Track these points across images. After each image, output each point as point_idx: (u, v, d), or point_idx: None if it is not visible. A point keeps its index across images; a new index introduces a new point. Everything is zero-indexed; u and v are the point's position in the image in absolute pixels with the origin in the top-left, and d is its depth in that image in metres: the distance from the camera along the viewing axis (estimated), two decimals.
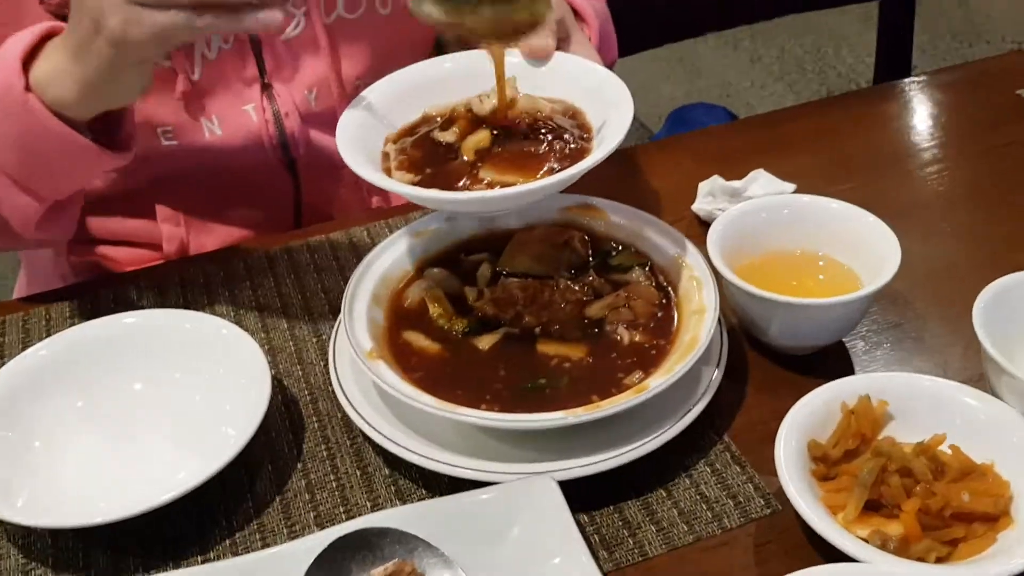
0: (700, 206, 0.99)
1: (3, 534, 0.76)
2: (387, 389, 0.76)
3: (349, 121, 0.83)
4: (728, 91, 3.11)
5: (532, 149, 0.81)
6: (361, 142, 0.82)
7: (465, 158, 0.81)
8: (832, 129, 1.14)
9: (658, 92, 3.08)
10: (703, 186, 1.00)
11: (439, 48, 1.14)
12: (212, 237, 1.09)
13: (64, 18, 0.87)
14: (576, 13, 0.96)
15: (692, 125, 1.91)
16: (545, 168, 0.79)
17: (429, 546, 0.67)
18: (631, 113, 0.80)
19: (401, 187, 0.78)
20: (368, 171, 0.78)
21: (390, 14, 1.05)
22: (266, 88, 1.02)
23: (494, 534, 0.68)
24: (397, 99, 0.87)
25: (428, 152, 0.83)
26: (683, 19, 1.63)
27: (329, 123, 1.05)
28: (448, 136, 0.84)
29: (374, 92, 0.86)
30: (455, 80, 0.88)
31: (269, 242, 1.03)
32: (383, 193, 1.12)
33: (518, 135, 0.83)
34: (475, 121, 0.84)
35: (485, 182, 0.79)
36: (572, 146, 0.81)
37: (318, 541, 0.67)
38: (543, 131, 0.83)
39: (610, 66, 1.04)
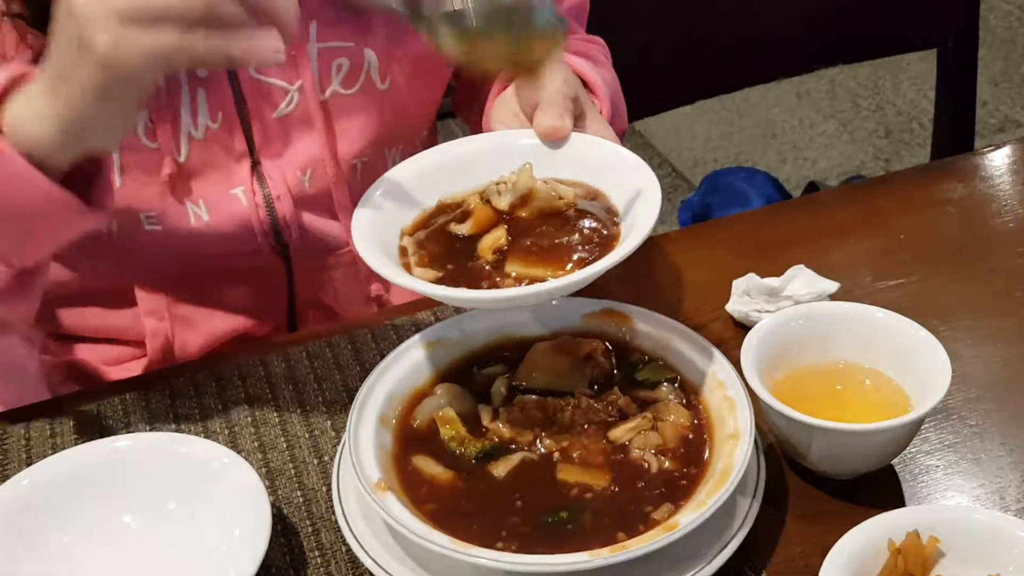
0: (735, 307, 1.04)
1: None
2: (397, 527, 0.80)
3: (364, 215, 0.89)
4: (773, 131, 3.17)
5: (559, 239, 0.87)
6: (378, 237, 0.88)
7: (483, 259, 0.87)
8: (884, 211, 1.19)
9: (693, 133, 3.15)
10: (738, 284, 1.05)
11: (443, 125, 1.21)
12: (199, 333, 1.15)
13: None
14: (585, 84, 1.02)
15: (729, 192, 1.96)
16: (575, 259, 0.85)
17: None
18: (658, 193, 0.86)
19: (426, 287, 0.84)
20: (390, 270, 0.84)
21: (389, 89, 1.11)
22: (256, 169, 1.08)
23: None
24: (413, 186, 0.93)
25: (446, 246, 0.89)
26: (723, 71, 1.70)
27: (324, 206, 1.12)
28: (464, 229, 0.90)
29: (388, 181, 0.93)
30: (477, 162, 0.95)
31: (264, 347, 1.09)
32: (382, 279, 1.18)
33: (542, 226, 0.89)
34: (492, 212, 0.90)
35: (512, 276, 0.85)
36: (603, 232, 0.87)
37: None
38: (568, 218, 0.89)
39: (621, 137, 1.11)
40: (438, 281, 0.85)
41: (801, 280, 1.04)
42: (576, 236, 0.87)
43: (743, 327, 1.00)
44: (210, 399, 1.03)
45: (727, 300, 1.06)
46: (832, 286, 1.03)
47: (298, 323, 1.20)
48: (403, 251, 0.90)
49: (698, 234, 1.23)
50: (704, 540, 0.81)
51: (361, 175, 1.12)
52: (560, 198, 0.89)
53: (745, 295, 1.04)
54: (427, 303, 1.10)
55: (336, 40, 1.06)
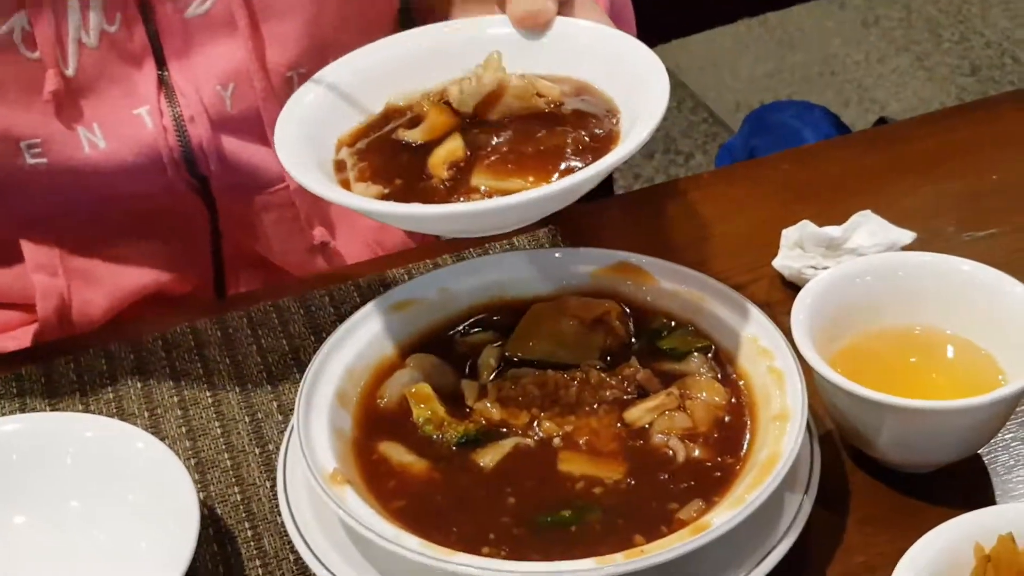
0: (784, 262, 1.02)
1: None
2: (357, 528, 0.79)
3: (290, 118, 0.86)
4: (833, 68, 3.16)
5: (541, 145, 0.85)
6: (309, 148, 0.86)
7: (436, 176, 0.85)
8: (971, 149, 1.18)
9: (736, 71, 3.15)
10: (788, 234, 1.03)
11: (405, 24, 1.19)
12: (102, 291, 1.13)
13: None
14: None
15: (779, 132, 1.94)
16: (563, 168, 0.83)
17: None
18: (665, 80, 0.83)
19: (368, 203, 0.82)
20: (321, 185, 0.81)
21: None
22: (164, 83, 1.06)
23: None
24: (354, 87, 0.91)
25: (393, 158, 0.87)
26: None
27: (250, 129, 1.11)
28: (416, 135, 0.88)
29: (321, 81, 0.90)
30: (434, 57, 0.92)
31: (194, 311, 1.08)
32: (327, 224, 1.17)
33: (519, 128, 0.87)
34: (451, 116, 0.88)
35: (481, 191, 0.83)
36: (597, 132, 0.85)
37: None
38: (552, 119, 0.87)
39: None
40: (383, 198, 0.83)
41: (867, 229, 1.03)
42: (563, 140, 0.84)
43: (794, 287, 0.99)
44: (125, 374, 1.02)
45: (774, 255, 1.04)
46: (906, 236, 1.02)
47: (227, 280, 1.19)
48: (340, 165, 0.87)
49: (738, 175, 1.21)
50: (744, 546, 0.80)
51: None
52: (540, 95, 0.88)
53: (797, 247, 1.03)
54: (394, 259, 1.08)
55: None
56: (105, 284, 1.14)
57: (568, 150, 0.83)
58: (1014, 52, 3.14)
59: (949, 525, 0.78)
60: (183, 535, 0.81)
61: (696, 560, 0.78)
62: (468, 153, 0.85)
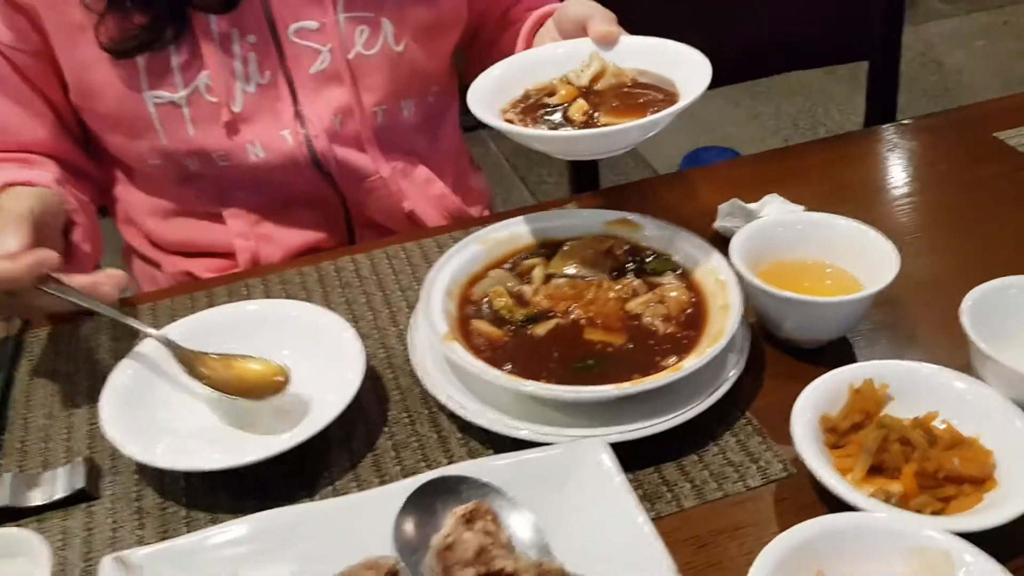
0: (721, 224, 1.02)
1: (143, 481, 0.80)
2: (460, 364, 0.79)
3: (476, 89, 0.90)
4: (731, 143, 3.14)
5: (633, 100, 0.88)
6: (485, 108, 0.88)
7: (575, 121, 0.87)
8: (832, 163, 1.17)
9: (671, 143, 3.12)
10: (723, 207, 1.03)
11: (460, 77, 1.20)
12: (279, 248, 1.13)
13: (117, 53, 0.95)
14: None
15: (706, 163, 1.94)
16: (650, 112, 0.85)
17: (500, 492, 0.69)
18: (707, 64, 0.86)
19: (537, 132, 0.85)
20: (507, 126, 0.85)
21: (403, 51, 1.09)
22: (298, 114, 1.06)
23: (554, 485, 0.71)
24: (501, 81, 0.93)
25: (543, 114, 0.89)
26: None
27: (353, 142, 1.10)
28: (556, 99, 0.90)
29: (482, 79, 0.92)
30: (546, 64, 0.94)
31: (334, 255, 1.07)
32: (411, 199, 1.15)
33: (617, 94, 0.89)
34: (575, 89, 0.91)
35: (603, 124, 0.86)
36: (663, 94, 0.88)
37: (409, 485, 0.70)
38: (635, 87, 0.90)
39: None
40: None
41: (774, 205, 1.02)
42: (645, 99, 0.87)
43: (728, 241, 0.97)
44: (298, 292, 1.01)
45: (715, 222, 1.03)
46: (799, 208, 1.01)
47: (356, 237, 1.17)
48: (508, 120, 0.89)
49: (686, 177, 1.20)
50: (702, 385, 0.80)
51: (382, 120, 1.10)
52: (624, 73, 0.91)
53: (729, 215, 1.02)
54: (454, 224, 1.08)
55: (357, 11, 1.05)
56: (280, 243, 1.13)
57: (650, 104, 0.86)
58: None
59: (832, 373, 0.78)
60: (353, 375, 0.81)
61: (674, 390, 0.78)
62: (591, 108, 0.88)
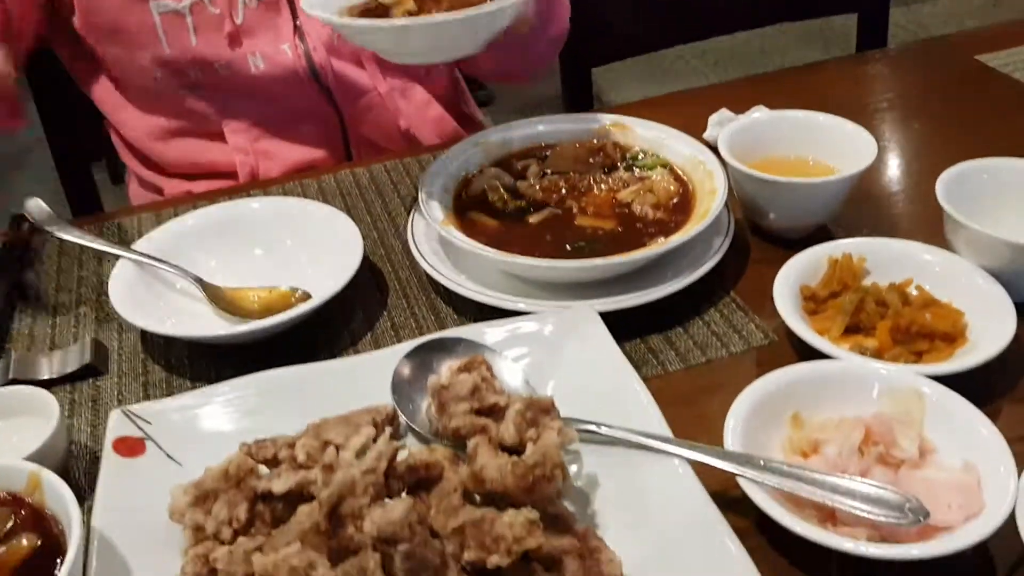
0: (710, 133, 1.05)
1: (149, 359, 0.84)
2: (457, 244, 0.83)
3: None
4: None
5: (468, 4, 0.81)
6: (324, 7, 0.85)
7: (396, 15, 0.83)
8: (819, 83, 1.21)
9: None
10: (713, 117, 1.06)
11: None
12: (278, 163, 1.15)
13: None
14: None
15: None
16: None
17: (496, 352, 0.73)
18: None
19: (360, 22, 0.82)
20: (334, 17, 0.82)
21: None
22: (297, 29, 1.09)
23: (547, 348, 0.74)
24: None
25: (372, 14, 0.86)
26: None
27: (351, 58, 1.13)
28: (391, 2, 0.86)
29: None
30: None
31: (334, 169, 1.10)
32: (407, 118, 1.17)
33: (453, 4, 0.83)
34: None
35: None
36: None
37: (407, 345, 0.73)
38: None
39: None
40: None
41: (760, 114, 1.05)
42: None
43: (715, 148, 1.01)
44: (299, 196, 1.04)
45: (704, 132, 1.06)
46: None
47: (354, 158, 1.20)
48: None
49: (679, 98, 1.24)
50: (688, 263, 0.83)
51: None
52: None
53: (718, 124, 1.05)
54: (449, 142, 1.11)
55: None
56: (279, 159, 1.15)
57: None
58: None
59: (813, 248, 0.82)
60: (351, 262, 0.84)
61: (661, 267, 0.82)
62: (416, 7, 0.85)
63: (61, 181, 1.41)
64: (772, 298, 0.77)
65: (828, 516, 0.60)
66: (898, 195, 0.98)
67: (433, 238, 0.88)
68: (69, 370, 0.82)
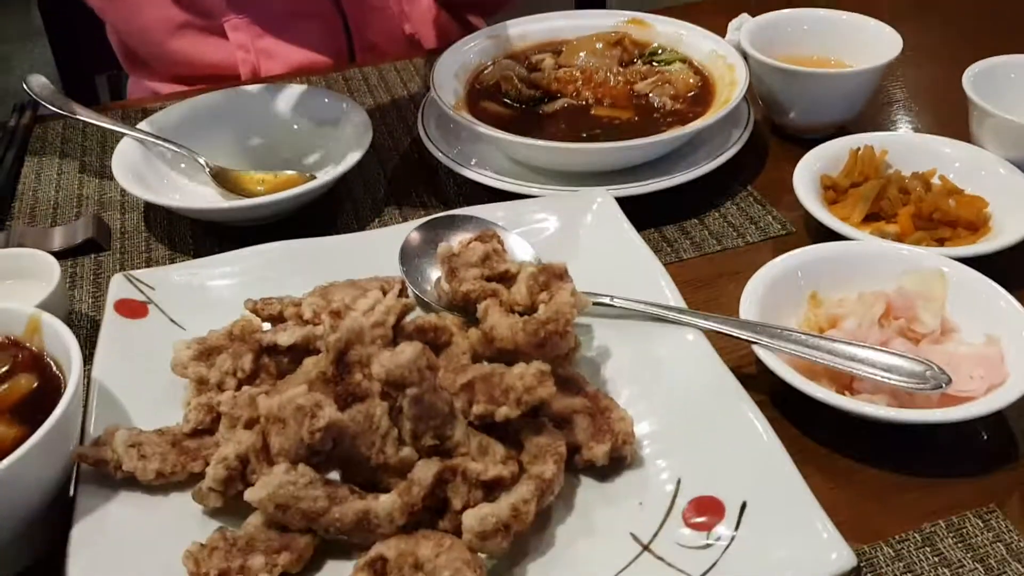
0: (731, 37, 1.02)
1: (152, 238, 0.82)
2: (470, 127, 0.81)
3: None
4: None
5: None
6: None
7: None
8: None
9: None
10: (733, 23, 1.03)
11: None
12: (279, 63, 1.12)
13: None
14: None
15: None
16: None
17: (506, 230, 0.71)
18: None
19: None
20: None
21: None
22: None
23: (560, 228, 0.72)
24: None
25: None
26: None
27: None
28: None
29: None
30: None
31: (341, 67, 1.08)
32: (412, 22, 1.16)
33: None
34: None
35: None
36: None
37: (417, 222, 0.72)
38: None
39: None
40: None
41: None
42: None
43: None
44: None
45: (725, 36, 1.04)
46: None
47: (357, 60, 1.17)
48: None
49: (699, 6, 1.21)
50: (705, 154, 0.82)
51: None
52: None
53: (738, 31, 1.02)
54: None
55: None
56: (280, 59, 1.13)
57: None
58: None
59: (833, 140, 0.80)
60: (360, 145, 0.82)
61: (678, 158, 0.80)
62: None
63: (63, 85, 1.39)
64: (790, 192, 0.76)
65: (845, 387, 0.59)
66: (920, 97, 0.96)
67: (444, 127, 0.86)
68: (72, 244, 0.80)
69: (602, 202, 0.73)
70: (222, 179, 0.84)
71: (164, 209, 0.83)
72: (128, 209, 0.86)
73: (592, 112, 0.86)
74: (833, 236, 0.70)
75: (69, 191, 0.89)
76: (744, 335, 0.60)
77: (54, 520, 0.53)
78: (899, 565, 0.52)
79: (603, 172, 0.80)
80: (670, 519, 0.52)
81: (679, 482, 0.53)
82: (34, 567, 0.53)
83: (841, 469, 0.57)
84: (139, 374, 0.61)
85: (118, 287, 0.68)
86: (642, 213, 0.78)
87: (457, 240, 0.70)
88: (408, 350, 0.52)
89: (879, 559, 0.52)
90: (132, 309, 0.67)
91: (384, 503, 0.50)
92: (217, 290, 0.69)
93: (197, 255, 0.79)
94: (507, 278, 0.64)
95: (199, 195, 0.84)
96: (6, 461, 0.47)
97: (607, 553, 0.50)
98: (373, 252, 0.71)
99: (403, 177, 0.88)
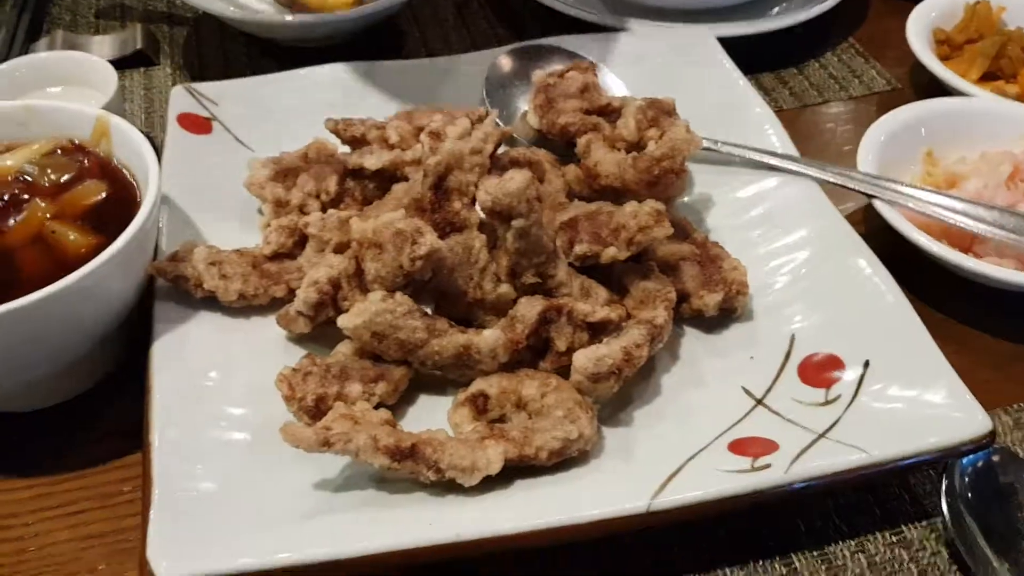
0: None
1: (204, 52, 0.76)
2: None
3: None
4: None
5: None
6: None
7: None
8: None
9: None
10: None
11: None
12: None
13: None
14: None
15: None
16: None
17: (599, 66, 0.66)
18: None
19: None
20: None
21: None
22: None
23: (658, 67, 0.67)
24: None
25: None
26: None
27: None
28: None
29: None
30: None
31: None
32: None
33: None
34: None
35: None
36: None
37: (502, 49, 0.66)
38: None
39: None
40: None
41: None
42: None
43: None
44: None
45: None
46: None
47: None
48: None
49: None
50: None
51: None
52: None
53: None
54: None
55: None
56: None
57: None
58: None
59: None
60: None
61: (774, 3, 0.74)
62: None
63: None
64: (894, 47, 0.71)
65: (965, 249, 0.55)
66: None
67: None
68: (123, 54, 0.74)
69: (702, 43, 0.68)
70: None
71: (217, 23, 0.77)
72: (176, 22, 0.80)
73: None
74: (943, 95, 0.65)
75: None
76: (864, 188, 0.56)
77: (122, 339, 0.50)
78: (1018, 434, 0.50)
79: (693, 11, 0.74)
80: (784, 374, 0.49)
81: (793, 337, 0.50)
82: (104, 382, 0.50)
83: (956, 335, 0.54)
84: (207, 191, 0.57)
85: (179, 99, 0.63)
86: (738, 57, 0.72)
87: (546, 73, 0.64)
88: (518, 177, 0.47)
89: (997, 428, 0.50)
90: (196, 124, 0.62)
91: (487, 338, 0.47)
92: (283, 110, 0.64)
93: (254, 73, 0.74)
94: (607, 112, 0.59)
95: (255, 11, 0.78)
96: (84, 269, 0.44)
97: (718, 405, 0.47)
98: (452, 80, 0.66)
99: (474, 6, 0.81)
